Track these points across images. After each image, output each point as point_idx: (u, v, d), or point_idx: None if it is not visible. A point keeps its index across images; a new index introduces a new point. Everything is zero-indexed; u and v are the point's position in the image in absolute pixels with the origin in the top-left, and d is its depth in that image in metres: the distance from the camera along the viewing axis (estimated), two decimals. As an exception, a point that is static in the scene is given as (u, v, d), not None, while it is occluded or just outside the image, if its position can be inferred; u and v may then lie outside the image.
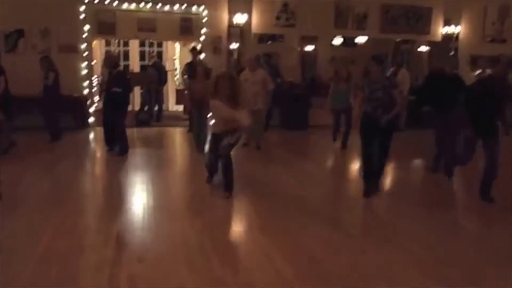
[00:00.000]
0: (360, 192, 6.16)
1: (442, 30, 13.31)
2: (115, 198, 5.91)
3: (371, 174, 6.21)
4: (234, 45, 12.05)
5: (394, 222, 5.28)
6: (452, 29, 13.39)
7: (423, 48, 14.26)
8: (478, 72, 11.16)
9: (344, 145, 9.53)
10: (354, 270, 3.99)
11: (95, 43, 11.99)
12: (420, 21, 13.04)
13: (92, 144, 9.88)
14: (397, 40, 14.09)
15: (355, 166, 8.15)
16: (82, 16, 10.84)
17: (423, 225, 5.21)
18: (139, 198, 5.98)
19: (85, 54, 10.98)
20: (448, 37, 13.42)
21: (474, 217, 5.72)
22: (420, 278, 3.88)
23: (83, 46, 10.93)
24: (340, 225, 5.13)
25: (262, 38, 12.79)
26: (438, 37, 13.36)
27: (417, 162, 9.03)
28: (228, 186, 5.90)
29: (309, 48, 14.13)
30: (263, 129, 9.44)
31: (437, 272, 3.99)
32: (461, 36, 13.48)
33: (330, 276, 3.86)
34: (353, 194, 6.48)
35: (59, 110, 9.49)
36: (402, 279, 3.84)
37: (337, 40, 13.82)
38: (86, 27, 10.93)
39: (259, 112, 8.71)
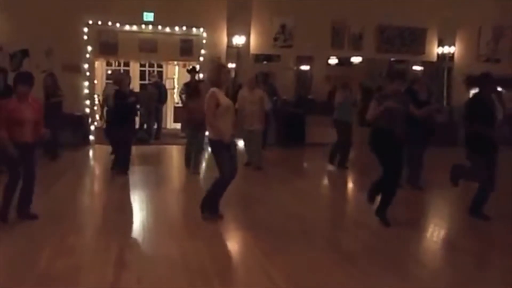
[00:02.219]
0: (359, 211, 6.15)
1: (437, 50, 13.42)
2: (114, 217, 5.84)
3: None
4: (231, 65, 12.14)
5: (393, 244, 5.25)
6: (447, 49, 13.50)
7: (418, 68, 14.37)
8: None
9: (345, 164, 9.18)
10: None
11: (97, 63, 12.06)
12: (415, 42, 13.15)
13: (92, 162, 9.88)
14: (392, 59, 14.21)
15: (353, 182, 8.16)
16: (85, 37, 10.94)
17: (425, 247, 5.20)
18: (138, 217, 5.94)
19: (87, 74, 11.05)
20: (443, 57, 13.54)
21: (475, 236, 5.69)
22: None
23: (86, 66, 11.01)
24: (340, 246, 5.10)
25: (258, 58, 12.88)
26: (433, 57, 13.47)
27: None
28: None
29: (305, 67, 14.26)
30: (260, 148, 9.31)
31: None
32: (455, 56, 13.59)
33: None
34: (352, 212, 6.46)
35: (60, 128, 9.32)
36: None
37: (333, 60, 13.97)
38: (89, 48, 11.01)
39: (256, 132, 8.71)
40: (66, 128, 10.24)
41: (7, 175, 5.40)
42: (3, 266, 4.14)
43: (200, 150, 8.49)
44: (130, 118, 8.18)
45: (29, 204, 5.43)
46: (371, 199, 5.82)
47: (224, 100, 5.49)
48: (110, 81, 10.97)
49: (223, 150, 5.45)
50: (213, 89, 5.42)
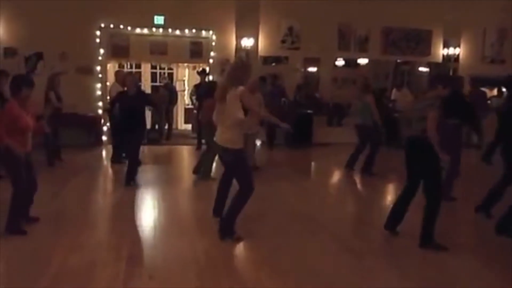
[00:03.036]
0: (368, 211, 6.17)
1: (442, 51, 13.41)
2: (126, 215, 5.95)
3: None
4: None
5: (398, 242, 5.30)
6: (452, 51, 13.48)
7: (423, 69, 14.36)
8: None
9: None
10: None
11: (109, 65, 12.19)
12: (420, 43, 13.16)
13: (105, 162, 9.99)
14: (398, 61, 14.22)
15: (359, 182, 8.21)
16: (97, 40, 11.08)
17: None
18: (150, 215, 6.04)
19: (100, 76, 11.20)
20: (448, 58, 13.52)
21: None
22: None
23: (98, 68, 11.14)
24: (345, 244, 5.15)
25: (266, 59, 12.94)
26: (439, 59, 13.46)
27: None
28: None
29: (312, 69, 14.29)
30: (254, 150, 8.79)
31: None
32: (461, 57, 13.56)
33: None
34: (357, 211, 6.50)
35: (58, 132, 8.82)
36: None
37: (340, 62, 13.99)
38: (101, 51, 11.16)
39: (254, 135, 8.44)
40: (79, 129, 10.47)
41: (5, 180, 5.20)
42: (19, 264, 4.27)
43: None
44: (135, 123, 7.27)
45: (29, 209, 5.26)
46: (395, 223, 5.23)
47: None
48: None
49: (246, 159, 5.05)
50: (243, 88, 4.81)
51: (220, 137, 4.91)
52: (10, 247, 4.56)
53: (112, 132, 9.53)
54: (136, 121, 7.27)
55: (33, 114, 5.01)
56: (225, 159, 5.07)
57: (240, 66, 5.10)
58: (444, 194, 5.64)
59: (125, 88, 7.63)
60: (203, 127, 8.35)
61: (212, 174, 7.87)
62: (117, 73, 9.89)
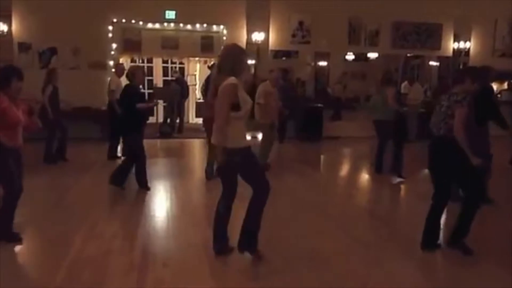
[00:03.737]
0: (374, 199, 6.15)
1: (453, 45, 13.30)
2: (140, 205, 6.01)
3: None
4: (251, 61, 12.19)
5: (405, 232, 5.29)
6: (462, 44, 13.37)
7: (433, 63, 14.27)
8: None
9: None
10: (372, 281, 4.00)
11: (121, 60, 12.24)
12: (430, 37, 13.07)
13: (119, 154, 10.03)
14: (408, 55, 14.13)
15: (368, 174, 8.18)
16: (110, 35, 11.13)
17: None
18: (163, 206, 6.09)
19: (112, 70, 11.23)
20: (458, 52, 13.41)
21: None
22: None
23: (111, 63, 11.19)
24: (353, 234, 5.15)
25: (277, 54, 12.93)
26: (449, 52, 13.37)
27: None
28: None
29: (323, 63, 14.26)
30: None
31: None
32: (471, 51, 13.44)
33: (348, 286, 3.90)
34: (366, 203, 6.49)
35: (55, 128, 8.32)
36: None
37: (350, 56, 13.95)
38: (114, 45, 11.21)
39: (276, 127, 8.48)
40: (93, 123, 10.56)
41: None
42: (39, 251, 4.33)
43: None
44: (144, 119, 6.80)
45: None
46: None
47: (245, 98, 4.00)
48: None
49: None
50: (233, 80, 3.88)
51: (215, 136, 3.96)
52: (27, 237, 4.62)
53: (117, 127, 7.90)
54: (145, 117, 6.83)
55: (24, 109, 4.51)
56: (228, 162, 3.92)
57: (233, 53, 4.07)
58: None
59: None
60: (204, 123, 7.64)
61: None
62: (117, 66, 9.68)
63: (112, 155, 8.85)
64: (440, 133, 4.36)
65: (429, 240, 4.53)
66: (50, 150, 8.32)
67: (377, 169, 8.05)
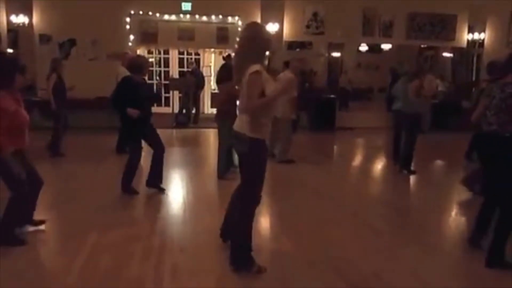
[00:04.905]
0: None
1: (467, 36, 13.10)
2: (157, 193, 6.03)
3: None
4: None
5: (417, 220, 5.28)
6: (477, 36, 13.16)
7: (447, 54, 14.09)
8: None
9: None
10: (385, 266, 4.00)
11: (138, 51, 12.29)
12: (445, 28, 12.87)
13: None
14: (422, 46, 13.96)
15: (381, 164, 8.15)
16: (127, 27, 11.19)
17: (454, 225, 5.22)
18: (179, 194, 6.15)
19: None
20: (472, 43, 13.20)
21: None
22: (452, 278, 3.84)
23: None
24: (366, 221, 5.15)
25: (291, 45, 12.86)
26: (463, 44, 13.17)
27: (441, 163, 8.95)
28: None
29: (336, 54, 14.17)
30: None
31: (470, 274, 3.93)
32: (485, 42, 13.21)
33: (361, 271, 3.91)
34: (378, 192, 6.48)
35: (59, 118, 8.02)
36: (433, 280, 3.75)
37: (363, 47, 13.83)
38: (131, 37, 11.27)
39: (287, 122, 7.98)
40: (109, 113, 10.64)
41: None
42: (60, 236, 4.41)
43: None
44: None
45: (33, 212, 4.46)
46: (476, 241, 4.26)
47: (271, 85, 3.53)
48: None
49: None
50: (257, 66, 3.47)
51: (236, 122, 3.68)
52: (47, 224, 4.70)
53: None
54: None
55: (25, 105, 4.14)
56: (236, 148, 3.77)
57: (252, 38, 3.58)
58: None
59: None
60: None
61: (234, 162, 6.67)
62: (124, 57, 8.81)
63: (121, 149, 8.19)
64: (491, 128, 3.93)
65: (478, 236, 4.24)
66: (56, 141, 7.98)
67: (394, 159, 7.87)
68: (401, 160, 7.50)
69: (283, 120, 7.64)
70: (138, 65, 5.78)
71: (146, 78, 6.68)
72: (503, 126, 3.85)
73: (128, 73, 6.06)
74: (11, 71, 3.98)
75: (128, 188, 5.84)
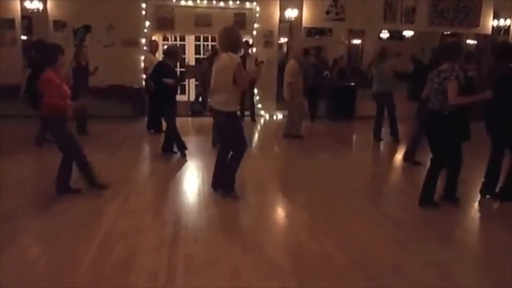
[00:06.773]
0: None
1: (492, 22, 12.68)
2: (172, 182, 6.00)
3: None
4: (283, 39, 11.95)
5: (437, 212, 5.09)
6: (502, 22, 12.74)
7: (471, 41, 13.66)
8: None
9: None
10: (403, 257, 3.87)
11: (154, 37, 12.18)
12: (469, 14, 12.47)
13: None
14: (445, 33, 13.54)
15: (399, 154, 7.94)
16: (143, 13, 11.06)
17: (473, 220, 5.05)
18: (193, 183, 6.05)
19: (145, 48, 11.19)
20: (498, 30, 12.79)
21: None
22: (472, 271, 3.74)
23: (144, 40, 11.15)
24: (385, 213, 5.01)
25: (310, 32, 12.62)
26: (488, 30, 12.75)
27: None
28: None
29: (356, 41, 13.87)
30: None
31: (490, 268, 3.80)
32: (511, 29, 12.81)
33: (379, 262, 3.77)
34: (397, 182, 6.30)
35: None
36: (452, 272, 3.65)
37: (384, 34, 13.49)
38: (147, 23, 11.15)
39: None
40: (125, 100, 10.61)
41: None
42: (72, 225, 4.34)
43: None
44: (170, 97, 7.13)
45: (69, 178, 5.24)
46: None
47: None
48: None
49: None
50: (234, 55, 4.92)
51: (214, 100, 5.11)
52: (60, 211, 4.65)
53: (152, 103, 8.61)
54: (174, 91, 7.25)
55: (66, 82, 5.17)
56: (217, 121, 5.24)
57: (233, 32, 5.07)
58: None
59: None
60: None
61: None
62: (150, 43, 10.20)
63: (151, 128, 9.21)
64: (434, 107, 4.89)
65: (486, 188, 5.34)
66: (81, 122, 8.33)
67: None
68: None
69: (289, 103, 8.84)
70: (173, 52, 7.12)
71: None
72: (442, 105, 4.75)
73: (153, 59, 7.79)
74: (55, 52, 4.96)
75: (170, 149, 7.24)
